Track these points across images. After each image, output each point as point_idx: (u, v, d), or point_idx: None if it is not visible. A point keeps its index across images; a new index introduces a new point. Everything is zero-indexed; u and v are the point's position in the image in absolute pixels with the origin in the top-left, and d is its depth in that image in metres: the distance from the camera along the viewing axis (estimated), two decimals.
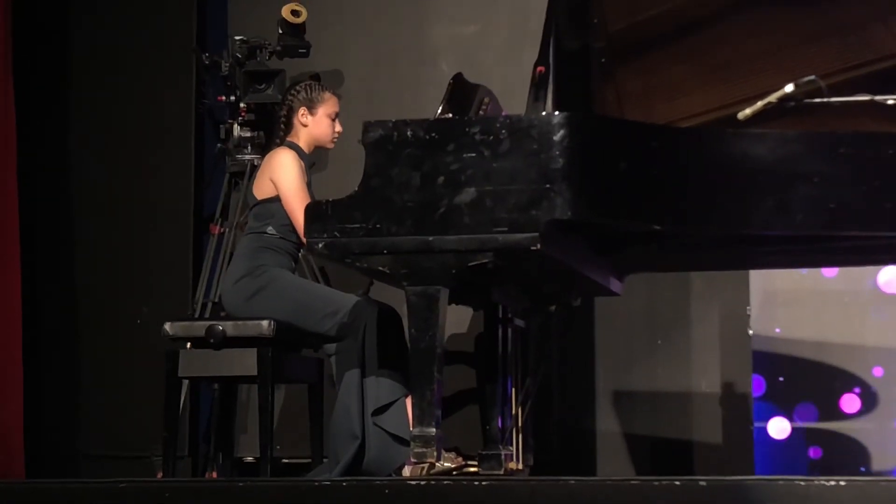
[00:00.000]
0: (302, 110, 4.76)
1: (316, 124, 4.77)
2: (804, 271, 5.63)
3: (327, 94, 4.78)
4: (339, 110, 4.79)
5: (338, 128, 4.79)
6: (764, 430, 5.57)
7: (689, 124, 4.30)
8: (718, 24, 4.33)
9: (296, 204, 4.49)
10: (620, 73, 4.41)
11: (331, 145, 4.85)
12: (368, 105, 5.39)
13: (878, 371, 5.56)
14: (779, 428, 5.57)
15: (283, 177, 4.62)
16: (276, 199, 4.64)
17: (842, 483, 3.12)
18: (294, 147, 4.73)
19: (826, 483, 3.12)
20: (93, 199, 5.91)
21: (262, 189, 4.68)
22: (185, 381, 4.82)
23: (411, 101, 5.56)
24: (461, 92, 4.32)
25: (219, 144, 5.66)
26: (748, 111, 4.01)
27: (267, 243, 4.64)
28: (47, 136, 5.95)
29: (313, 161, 4.81)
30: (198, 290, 5.44)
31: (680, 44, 4.37)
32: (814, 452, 5.56)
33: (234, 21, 5.88)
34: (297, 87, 4.80)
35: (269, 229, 4.64)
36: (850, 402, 5.58)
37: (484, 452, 4.47)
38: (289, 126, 4.78)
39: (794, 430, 5.59)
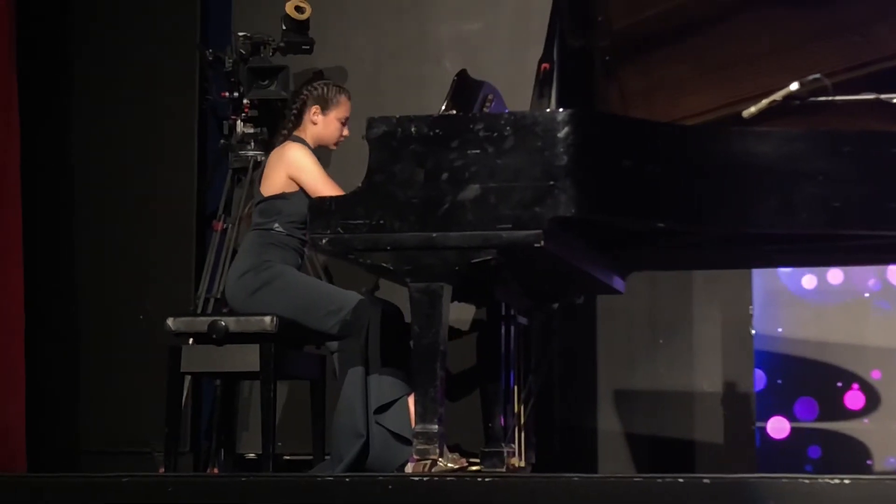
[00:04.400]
0: (315, 108, 4.75)
1: (325, 125, 4.77)
2: (807, 270, 5.63)
3: (342, 98, 4.76)
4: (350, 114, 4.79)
5: (345, 132, 4.78)
6: (764, 429, 5.57)
7: (694, 122, 4.30)
8: (723, 22, 4.32)
9: (327, 193, 4.33)
10: (624, 70, 4.41)
11: (334, 147, 4.84)
12: (372, 102, 5.37)
13: (876, 374, 5.56)
14: (777, 427, 5.58)
15: (303, 170, 4.60)
16: (284, 196, 4.63)
17: (846, 481, 3.11)
18: (302, 142, 4.73)
19: (830, 481, 3.11)
20: (96, 194, 5.91)
21: (270, 185, 4.67)
22: (188, 377, 4.82)
23: (414, 98, 5.56)
24: (465, 88, 4.32)
25: (222, 140, 5.65)
26: (753, 109, 4.01)
27: (273, 240, 4.63)
28: (50, 132, 5.95)
29: (318, 157, 4.80)
30: (200, 286, 5.44)
31: (684, 42, 4.37)
32: (813, 452, 5.56)
33: (238, 17, 5.88)
34: (315, 85, 4.78)
35: (276, 226, 4.64)
36: (854, 399, 5.58)
37: (486, 450, 4.48)
38: (298, 120, 4.78)
39: (793, 429, 5.59)
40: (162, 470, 4.83)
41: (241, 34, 5.57)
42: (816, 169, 3.88)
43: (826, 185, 3.87)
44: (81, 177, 5.94)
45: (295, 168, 4.62)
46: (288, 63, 5.57)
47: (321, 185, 4.53)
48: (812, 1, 4.25)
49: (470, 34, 5.72)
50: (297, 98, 4.80)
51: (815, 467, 5.54)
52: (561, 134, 3.73)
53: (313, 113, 4.76)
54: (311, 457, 4.78)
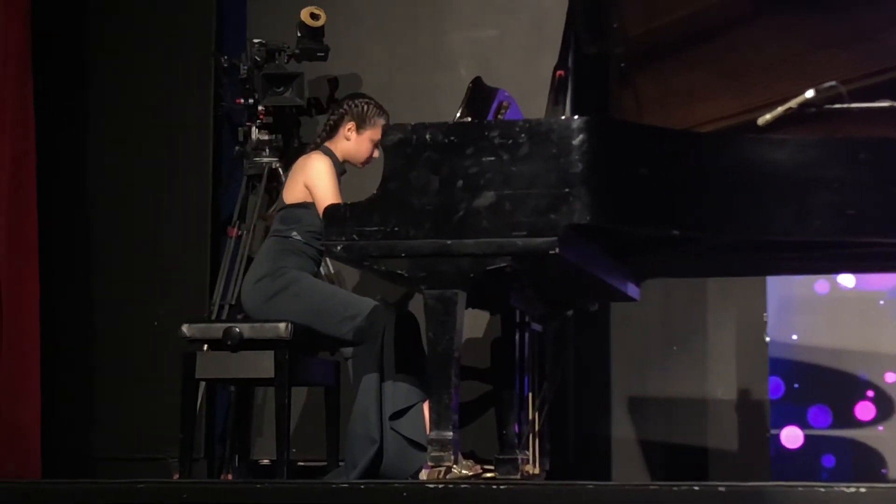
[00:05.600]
0: (350, 124, 4.76)
1: (357, 143, 4.77)
2: (821, 277, 5.62)
3: (381, 121, 4.73)
4: None
5: (375, 153, 4.77)
6: (778, 437, 5.56)
7: (709, 129, 4.29)
8: (738, 29, 4.32)
9: None
10: (639, 77, 4.41)
11: (361, 166, 4.83)
12: (386, 109, 5.39)
13: (890, 377, 5.55)
14: (791, 436, 5.56)
15: (318, 183, 4.61)
16: (304, 206, 4.64)
17: (862, 490, 3.11)
18: (329, 154, 4.74)
19: (846, 490, 3.11)
20: (111, 200, 5.92)
21: (292, 193, 4.69)
22: (202, 383, 4.83)
23: (429, 105, 5.56)
24: (480, 96, 4.32)
25: (236, 147, 5.66)
26: (768, 116, 4.01)
27: (291, 247, 4.65)
28: (66, 138, 5.97)
29: (344, 170, 4.80)
30: (215, 293, 5.45)
31: (699, 49, 4.37)
32: (827, 461, 5.55)
33: (253, 24, 5.89)
34: (357, 101, 4.78)
35: (294, 234, 4.65)
36: (868, 407, 5.56)
37: (500, 457, 4.47)
38: (333, 132, 4.78)
39: (807, 437, 5.57)
40: (176, 476, 4.84)
41: (256, 41, 5.57)
42: (832, 176, 3.87)
43: (842, 193, 3.87)
44: (97, 183, 5.95)
45: (311, 178, 4.63)
46: (303, 70, 5.58)
47: (329, 201, 4.52)
48: (827, 8, 4.24)
49: (485, 41, 5.73)
50: (337, 110, 4.79)
51: (829, 476, 5.52)
52: (576, 141, 3.73)
53: (348, 129, 4.76)
54: (325, 463, 4.78)
